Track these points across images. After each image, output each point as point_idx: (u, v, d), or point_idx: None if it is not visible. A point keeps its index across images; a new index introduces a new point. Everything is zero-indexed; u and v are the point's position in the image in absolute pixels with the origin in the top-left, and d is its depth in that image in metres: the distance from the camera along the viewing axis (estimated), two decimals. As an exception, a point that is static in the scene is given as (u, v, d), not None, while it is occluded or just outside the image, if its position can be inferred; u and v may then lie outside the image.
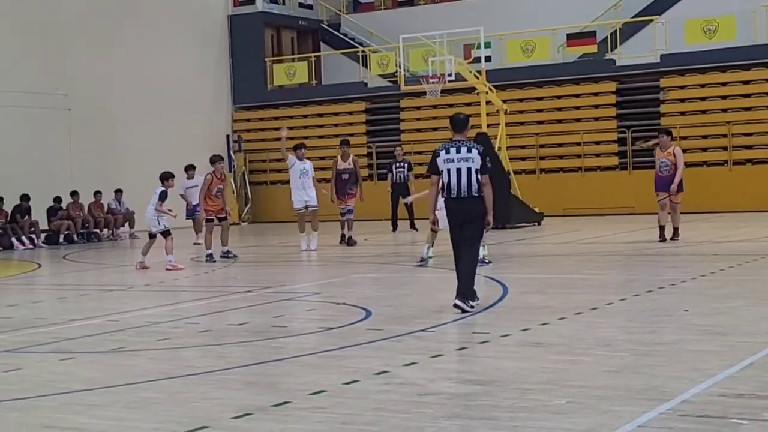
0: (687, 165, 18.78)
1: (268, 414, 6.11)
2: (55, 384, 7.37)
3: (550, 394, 6.26)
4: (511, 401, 6.13)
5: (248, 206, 33.49)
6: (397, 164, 24.55)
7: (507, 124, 26.67)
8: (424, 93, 25.92)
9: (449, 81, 24.73)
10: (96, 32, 29.57)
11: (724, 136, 27.64)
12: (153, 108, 30.88)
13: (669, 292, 11.17)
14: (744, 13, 27.90)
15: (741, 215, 24.76)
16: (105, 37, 29.77)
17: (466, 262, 10.15)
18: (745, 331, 8.42)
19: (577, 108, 29.80)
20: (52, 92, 28.01)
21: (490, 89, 25.34)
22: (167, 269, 16.50)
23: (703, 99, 28.39)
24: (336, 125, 32.94)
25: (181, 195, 22.75)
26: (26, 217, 25.59)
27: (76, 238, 26.26)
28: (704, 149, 27.66)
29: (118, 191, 27.99)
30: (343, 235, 20.37)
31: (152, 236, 17.20)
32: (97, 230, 27.18)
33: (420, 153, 29.73)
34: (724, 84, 28.26)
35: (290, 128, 33.57)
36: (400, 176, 24.36)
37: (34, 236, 25.57)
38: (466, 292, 10.03)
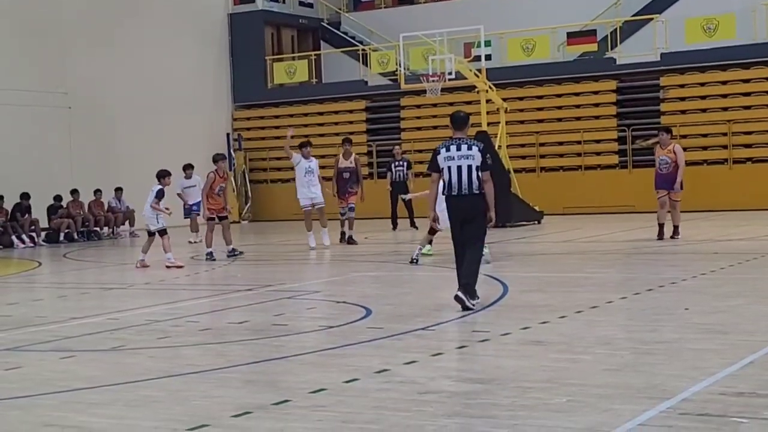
0: (687, 163, 18.77)
1: (269, 412, 6.11)
2: (56, 382, 7.37)
3: (551, 393, 6.26)
4: (511, 400, 6.14)
5: (248, 204, 33.50)
6: (396, 163, 24.57)
7: (507, 123, 26.67)
8: (424, 91, 25.92)
9: (449, 79, 24.74)
10: (96, 30, 29.57)
11: (724, 134, 27.64)
12: (153, 106, 30.88)
13: (669, 291, 11.17)
14: (744, 12, 27.90)
15: (741, 214, 24.76)
16: (105, 35, 29.76)
17: (470, 259, 10.17)
18: (746, 329, 8.42)
19: (578, 106, 29.79)
20: (52, 91, 28.01)
21: (490, 88, 25.34)
22: (167, 266, 16.56)
23: (703, 97, 28.38)
24: (336, 124, 32.95)
25: (178, 194, 22.73)
26: (26, 215, 25.59)
27: (76, 237, 26.27)
28: (704, 148, 27.66)
29: (119, 189, 27.99)
30: (342, 233, 20.37)
31: (151, 234, 17.24)
32: (98, 228, 27.19)
33: (420, 151, 29.75)
34: (724, 83, 28.26)
35: (290, 127, 33.70)
36: (399, 175, 24.38)
37: (34, 234, 25.58)
38: (468, 286, 10.03)
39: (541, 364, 7.21)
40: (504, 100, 26.22)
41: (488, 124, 24.82)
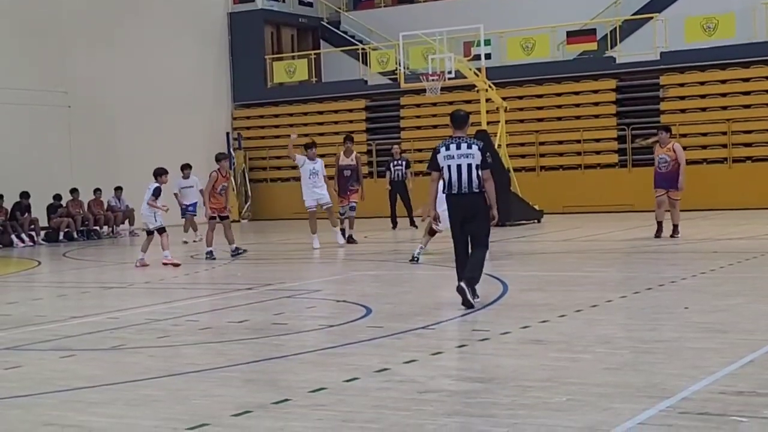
0: (687, 162, 18.75)
1: (269, 411, 6.11)
2: (56, 381, 7.37)
3: (550, 392, 6.26)
4: (511, 398, 6.14)
5: (248, 203, 33.50)
6: (395, 162, 24.58)
7: (507, 122, 26.68)
8: (424, 90, 25.91)
9: (449, 78, 24.72)
10: (96, 29, 29.56)
11: (724, 133, 27.64)
12: (153, 105, 30.88)
13: (669, 290, 11.17)
14: (744, 11, 27.90)
15: (741, 213, 24.77)
16: (105, 34, 29.76)
17: (476, 255, 10.20)
18: (745, 328, 8.42)
19: (577, 105, 29.79)
20: (52, 90, 27.99)
21: (490, 87, 25.34)
22: (163, 263, 16.63)
23: (702, 96, 28.37)
24: (336, 123, 32.95)
25: (175, 194, 22.67)
26: (26, 214, 25.58)
27: (75, 236, 26.27)
28: (704, 147, 27.65)
29: (118, 188, 27.99)
30: (342, 231, 20.36)
31: (149, 233, 17.27)
32: (97, 227, 27.19)
33: (420, 150, 29.76)
34: (723, 81, 28.26)
35: (290, 126, 33.73)
36: (398, 174, 24.39)
37: (33, 233, 25.57)
38: (472, 280, 10.05)
39: (541, 363, 7.22)
40: (504, 99, 26.22)
41: (488, 123, 24.82)
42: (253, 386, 7.04)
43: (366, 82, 33.01)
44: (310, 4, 36.66)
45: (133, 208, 27.21)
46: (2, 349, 8.97)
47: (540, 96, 30.32)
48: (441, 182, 10.39)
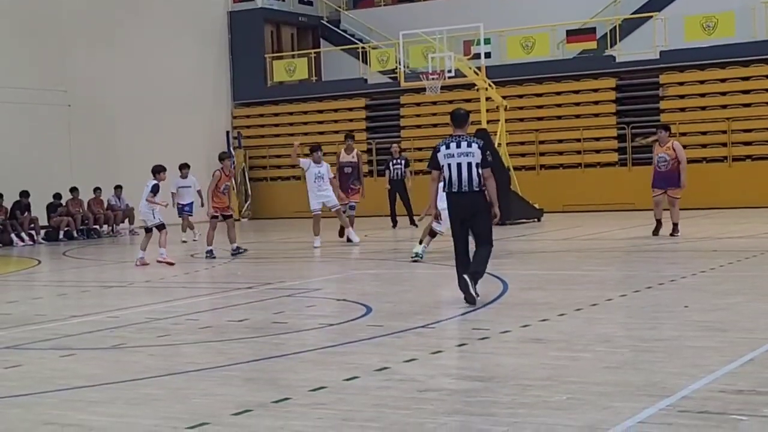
0: (687, 161, 18.75)
1: (269, 410, 6.12)
2: (56, 380, 7.38)
3: (550, 391, 6.26)
4: (511, 397, 6.14)
5: (248, 202, 33.50)
6: (395, 161, 24.58)
7: (507, 121, 26.68)
8: (424, 89, 25.90)
9: (449, 77, 24.71)
10: (96, 29, 29.55)
11: (724, 132, 27.64)
12: (153, 104, 30.88)
13: (669, 289, 11.18)
14: (743, 10, 27.89)
15: (740, 211, 24.77)
16: (105, 33, 29.75)
17: (480, 252, 10.23)
18: (745, 327, 8.43)
19: (577, 104, 29.79)
20: (51, 89, 27.99)
21: (489, 85, 25.34)
22: (158, 261, 16.70)
23: (702, 95, 28.37)
24: (336, 121, 32.94)
25: (173, 193, 22.64)
26: (26, 213, 25.58)
27: (75, 235, 26.27)
28: (704, 145, 27.64)
29: (118, 187, 27.99)
30: (342, 228, 20.34)
31: (148, 230, 17.29)
32: (97, 226, 27.18)
33: (420, 149, 29.76)
34: (723, 80, 28.26)
35: (290, 124, 33.77)
36: (397, 173, 24.39)
37: (33, 232, 25.57)
38: (476, 275, 10.06)
39: (541, 362, 7.22)
40: (503, 97, 26.21)
41: (488, 121, 24.83)
42: (253, 385, 7.04)
43: (366, 80, 33.01)
44: (310, 3, 36.66)
45: (132, 207, 27.21)
46: (2, 348, 8.98)
47: (540, 95, 30.32)
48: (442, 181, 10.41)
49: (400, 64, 28.92)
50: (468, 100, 28.14)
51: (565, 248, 17.71)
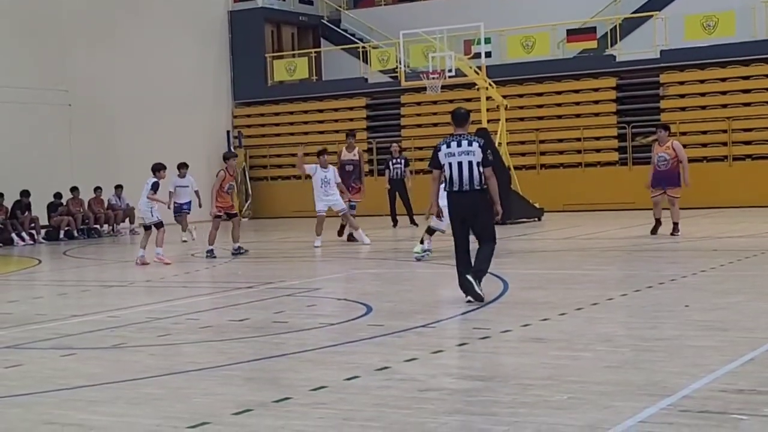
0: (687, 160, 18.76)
1: (269, 410, 6.12)
2: (56, 380, 7.38)
3: (551, 390, 6.26)
4: (511, 397, 6.14)
5: (248, 202, 33.49)
6: (394, 160, 24.58)
7: (507, 120, 26.67)
8: (424, 89, 25.90)
9: (449, 77, 24.72)
10: (96, 28, 29.55)
11: (724, 131, 27.63)
12: (153, 104, 30.87)
13: (669, 288, 11.18)
14: (744, 9, 27.88)
15: (741, 210, 24.76)
16: (105, 32, 29.75)
17: (483, 250, 10.24)
18: (746, 326, 8.43)
19: (577, 104, 29.79)
20: (52, 88, 27.99)
21: (490, 85, 25.33)
22: (154, 260, 16.68)
23: (702, 95, 28.36)
24: (336, 121, 32.92)
25: (170, 192, 22.60)
26: (26, 212, 25.58)
27: (76, 234, 26.27)
28: (704, 145, 27.64)
29: (119, 187, 27.99)
30: (342, 227, 20.32)
31: (147, 228, 17.30)
32: (98, 226, 27.18)
33: (420, 148, 29.75)
34: (723, 80, 28.25)
35: (290, 124, 33.76)
36: (397, 172, 24.39)
37: (34, 232, 25.56)
38: (479, 273, 10.07)
39: (542, 362, 7.22)
40: (504, 97, 26.21)
41: (488, 121, 24.82)
42: (253, 385, 7.04)
43: (366, 80, 33.00)
44: (311, 3, 36.65)
45: (133, 207, 27.20)
46: (3, 348, 8.98)
47: (540, 94, 30.31)
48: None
49: (400, 64, 28.92)
50: (468, 100, 28.12)
51: (565, 247, 17.71)
